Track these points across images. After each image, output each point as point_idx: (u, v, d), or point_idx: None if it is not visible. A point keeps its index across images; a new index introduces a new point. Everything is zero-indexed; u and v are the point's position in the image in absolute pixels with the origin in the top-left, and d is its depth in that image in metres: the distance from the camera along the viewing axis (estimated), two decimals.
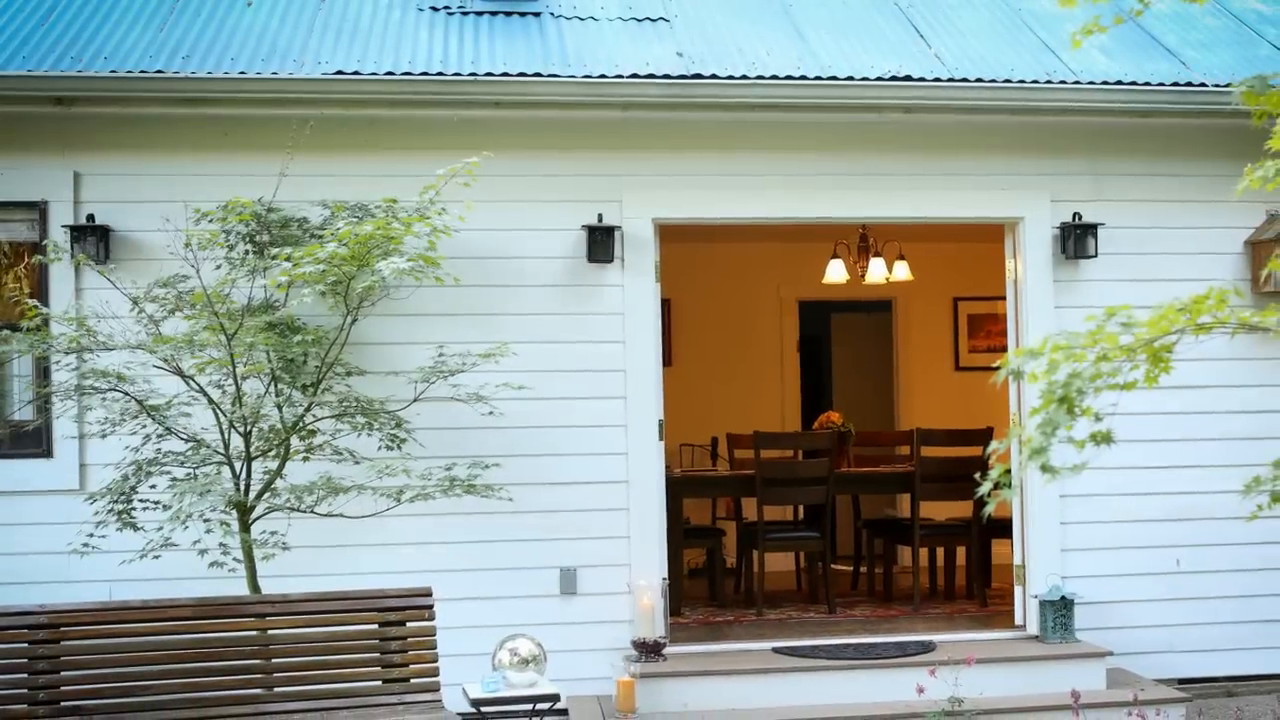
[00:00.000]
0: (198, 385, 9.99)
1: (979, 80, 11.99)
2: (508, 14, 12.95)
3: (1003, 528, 13.11)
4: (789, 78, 11.77)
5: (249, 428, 9.95)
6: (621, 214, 11.91)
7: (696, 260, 17.14)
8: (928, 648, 11.80)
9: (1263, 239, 12.36)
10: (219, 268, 10.49)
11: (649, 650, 11.35)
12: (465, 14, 12.89)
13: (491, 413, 11.15)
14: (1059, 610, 11.83)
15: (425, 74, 11.45)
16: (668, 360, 13.09)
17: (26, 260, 11.23)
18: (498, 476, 11.03)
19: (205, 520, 9.65)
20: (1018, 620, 12.51)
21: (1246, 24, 13.89)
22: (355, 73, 11.38)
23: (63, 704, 8.64)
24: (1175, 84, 12.21)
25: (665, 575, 11.95)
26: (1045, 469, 5.65)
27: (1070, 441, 5.65)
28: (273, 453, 10.11)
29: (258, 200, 10.43)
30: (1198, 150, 12.54)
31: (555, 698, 9.08)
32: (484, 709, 9.01)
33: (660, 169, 12.05)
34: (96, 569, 10.36)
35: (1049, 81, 12.10)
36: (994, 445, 5.83)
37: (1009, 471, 5.63)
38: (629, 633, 11.62)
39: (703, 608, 14.20)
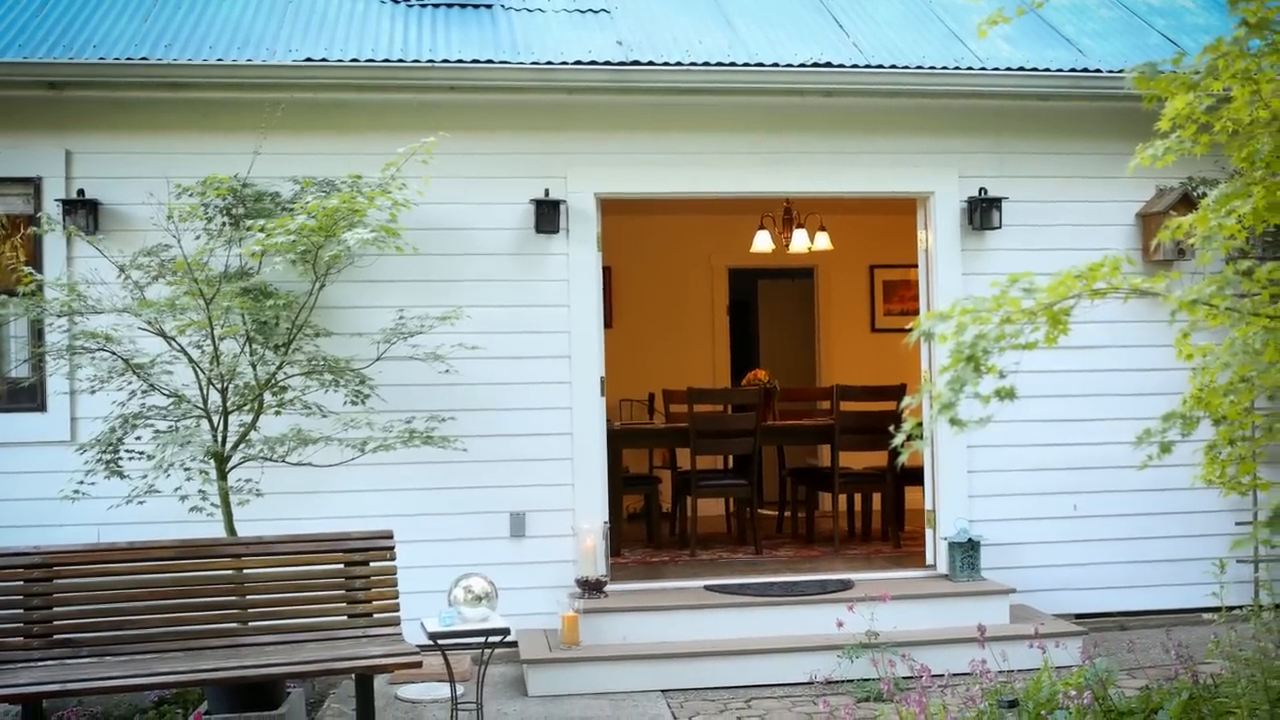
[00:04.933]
0: (179, 345, 9.94)
1: (893, 66, 12.01)
2: (462, 6, 12.94)
3: (915, 476, 13.18)
4: (719, 64, 11.78)
5: (226, 384, 9.94)
6: (566, 189, 11.91)
7: (635, 231, 17.13)
8: (846, 585, 11.85)
9: (1153, 212, 12.42)
10: (198, 238, 10.44)
11: (591, 588, 11.38)
12: (424, 6, 12.87)
13: (447, 371, 11.15)
14: (966, 551, 11.90)
15: (387, 61, 11.42)
16: (609, 322, 13.06)
17: (22, 231, 11.16)
18: (453, 429, 11.06)
19: (186, 469, 9.65)
20: (929, 560, 12.56)
21: (1138, 15, 13.96)
22: (323, 60, 11.35)
23: (55, 637, 8.60)
24: (1073, 70, 12.27)
25: (606, 519, 11.98)
26: (954, 422, 5.69)
27: (977, 397, 5.71)
28: (247, 407, 10.08)
29: (234, 176, 10.38)
30: (1093, 131, 12.58)
31: (505, 631, 9.07)
32: (440, 641, 9.00)
33: (602, 147, 12.05)
34: (86, 513, 10.35)
35: (957, 68, 12.13)
36: (907, 400, 5.87)
37: (920, 424, 5.65)
38: (573, 572, 11.64)
39: (641, 549, 14.25)
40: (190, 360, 9.97)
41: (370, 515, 10.74)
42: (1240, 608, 8.75)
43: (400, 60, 11.48)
